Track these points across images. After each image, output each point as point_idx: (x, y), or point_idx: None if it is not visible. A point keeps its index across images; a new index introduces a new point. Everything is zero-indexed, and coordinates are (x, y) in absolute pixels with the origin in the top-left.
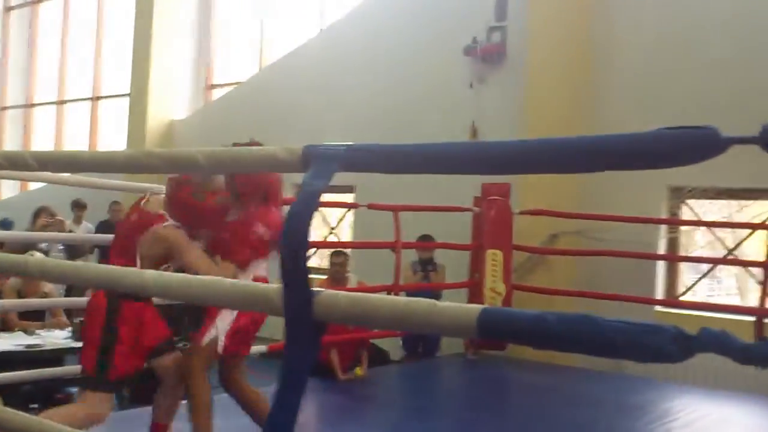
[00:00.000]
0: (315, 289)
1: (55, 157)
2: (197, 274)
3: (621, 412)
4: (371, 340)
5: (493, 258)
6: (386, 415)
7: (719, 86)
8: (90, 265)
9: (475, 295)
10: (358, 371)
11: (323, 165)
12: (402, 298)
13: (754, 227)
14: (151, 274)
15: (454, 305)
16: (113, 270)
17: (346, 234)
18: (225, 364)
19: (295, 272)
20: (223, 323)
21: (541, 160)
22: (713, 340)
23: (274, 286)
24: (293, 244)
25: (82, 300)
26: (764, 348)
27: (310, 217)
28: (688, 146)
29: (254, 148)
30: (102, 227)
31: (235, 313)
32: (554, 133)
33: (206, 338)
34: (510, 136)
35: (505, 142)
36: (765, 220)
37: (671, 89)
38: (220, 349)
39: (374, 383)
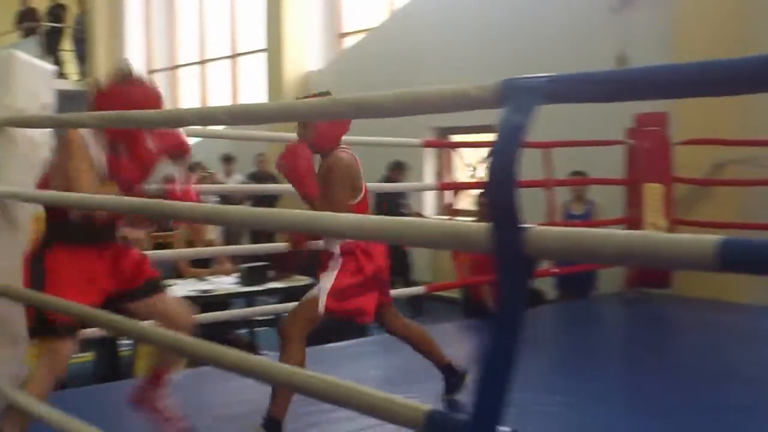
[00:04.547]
0: (524, 225)
1: (241, 111)
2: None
3: None
4: None
5: (652, 192)
6: (547, 354)
7: None
8: (285, 211)
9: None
10: None
11: (523, 99)
12: (620, 231)
13: None
14: (348, 216)
15: (689, 236)
16: (311, 215)
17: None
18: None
19: (504, 210)
20: (325, 282)
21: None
22: None
23: (480, 224)
24: (501, 181)
25: (245, 247)
26: None
27: (515, 153)
28: None
29: (442, 86)
30: (252, 178)
31: (335, 272)
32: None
33: (306, 296)
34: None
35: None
36: None
37: None
38: (321, 309)
39: (530, 323)
